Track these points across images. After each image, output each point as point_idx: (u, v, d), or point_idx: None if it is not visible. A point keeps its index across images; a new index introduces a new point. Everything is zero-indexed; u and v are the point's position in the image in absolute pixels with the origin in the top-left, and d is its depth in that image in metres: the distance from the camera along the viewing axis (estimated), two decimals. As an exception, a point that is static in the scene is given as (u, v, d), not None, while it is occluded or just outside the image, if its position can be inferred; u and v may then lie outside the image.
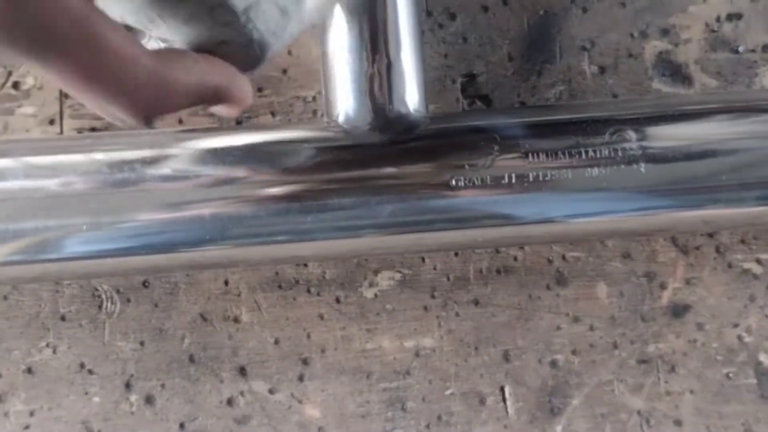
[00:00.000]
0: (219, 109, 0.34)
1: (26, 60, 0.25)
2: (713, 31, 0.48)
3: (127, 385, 0.44)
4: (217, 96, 0.31)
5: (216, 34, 0.31)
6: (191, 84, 0.30)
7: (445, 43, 0.47)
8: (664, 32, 0.48)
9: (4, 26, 0.23)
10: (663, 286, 0.46)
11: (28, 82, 0.45)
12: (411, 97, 0.41)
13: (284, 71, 0.46)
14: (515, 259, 0.46)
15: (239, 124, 0.46)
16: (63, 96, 0.45)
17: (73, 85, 0.26)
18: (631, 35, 0.48)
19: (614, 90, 0.47)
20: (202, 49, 0.31)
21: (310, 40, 0.46)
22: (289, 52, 0.46)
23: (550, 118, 0.41)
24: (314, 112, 0.46)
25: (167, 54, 0.30)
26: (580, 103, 0.46)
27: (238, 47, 0.32)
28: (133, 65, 0.27)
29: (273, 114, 0.46)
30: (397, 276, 0.46)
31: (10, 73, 0.45)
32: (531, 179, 0.39)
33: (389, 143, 0.40)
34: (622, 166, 0.40)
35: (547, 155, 0.40)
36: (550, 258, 0.46)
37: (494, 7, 0.47)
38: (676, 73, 0.48)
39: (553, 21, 0.47)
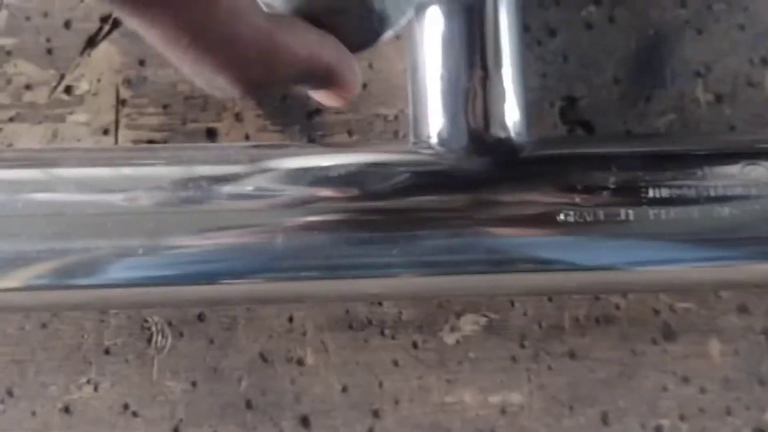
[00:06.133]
0: (323, 96, 0.30)
1: (120, 8, 0.22)
2: None
3: (176, 431, 0.39)
4: (327, 77, 0.28)
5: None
6: (302, 56, 0.26)
7: (544, 61, 0.42)
8: (790, 59, 0.43)
9: None
10: (783, 346, 0.41)
11: (82, 86, 0.41)
12: (512, 117, 0.36)
13: (364, 86, 0.42)
14: (617, 307, 0.41)
15: (312, 142, 0.41)
16: (120, 104, 0.41)
17: (172, 40, 0.23)
18: (751, 61, 0.43)
19: (731, 121, 0.42)
20: (313, 18, 0.28)
21: (393, 52, 0.41)
22: (370, 66, 0.42)
23: (671, 148, 0.37)
24: (395, 133, 0.42)
25: (279, 17, 0.26)
26: (703, 135, 0.41)
27: (355, 19, 0.28)
28: (243, 21, 0.24)
29: (350, 133, 0.41)
30: (483, 320, 0.41)
31: (62, 77, 0.41)
32: (651, 217, 0.34)
33: (488, 169, 0.35)
34: (757, 206, 0.34)
35: (670, 191, 0.34)
36: (657, 308, 0.41)
37: (599, 25, 0.42)
38: (804, 104, 0.42)
39: (665, 42, 0.42)
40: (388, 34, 0.30)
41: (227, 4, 0.23)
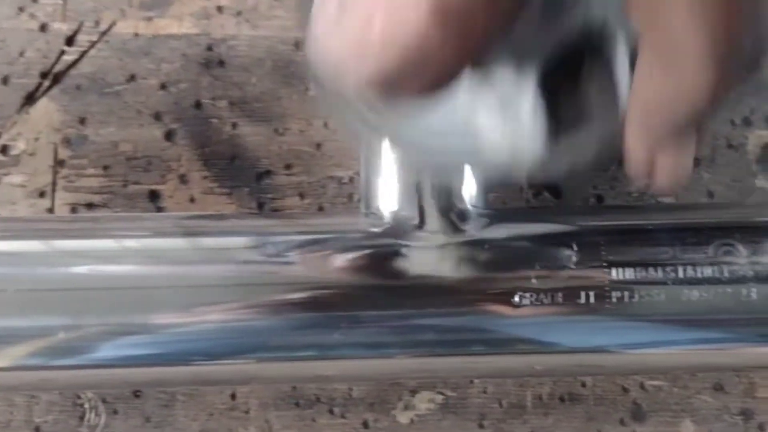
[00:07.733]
0: None
1: None
2: (831, 121, 0.40)
3: None
4: None
5: None
6: None
7: (509, 121, 0.40)
8: (773, 120, 0.40)
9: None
10: (762, 428, 0.38)
11: (19, 146, 0.38)
12: (468, 188, 0.34)
13: (318, 146, 0.39)
14: (583, 385, 0.38)
15: (261, 208, 0.39)
16: (58, 164, 0.38)
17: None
18: (732, 122, 0.40)
19: (710, 186, 0.40)
20: None
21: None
22: (326, 125, 0.39)
23: (639, 222, 0.34)
24: (350, 196, 0.39)
25: None
26: (677, 206, 0.38)
27: None
28: None
29: (301, 196, 0.39)
30: (439, 398, 0.38)
31: (-1, 135, 0.38)
32: (614, 300, 0.32)
33: (440, 245, 0.33)
34: (729, 290, 0.32)
35: (635, 271, 0.32)
36: (626, 386, 0.38)
37: (569, 82, 0.40)
38: (787, 169, 0.40)
39: (639, 101, 0.40)
40: None
41: None
